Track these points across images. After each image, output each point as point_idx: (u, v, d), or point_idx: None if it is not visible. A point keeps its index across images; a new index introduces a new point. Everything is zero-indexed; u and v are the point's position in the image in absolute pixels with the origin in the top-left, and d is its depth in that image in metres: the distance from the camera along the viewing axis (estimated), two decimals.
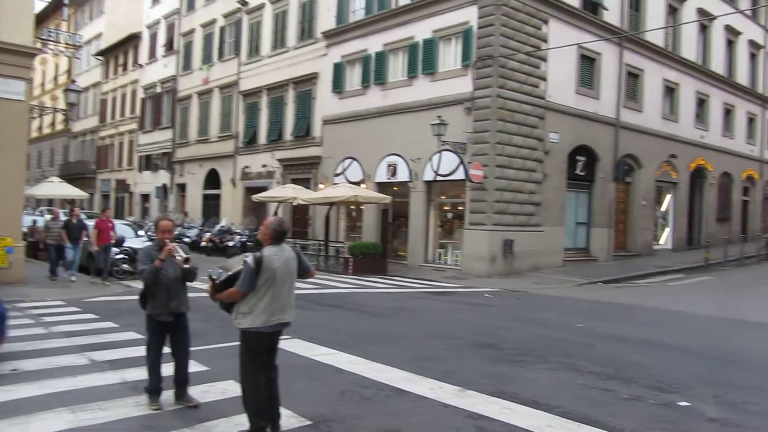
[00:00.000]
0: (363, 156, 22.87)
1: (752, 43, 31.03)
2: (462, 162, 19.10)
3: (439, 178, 20.04)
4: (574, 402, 6.15)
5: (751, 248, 24.94)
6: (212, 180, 32.72)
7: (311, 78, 25.74)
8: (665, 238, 27.08)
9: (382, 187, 22.32)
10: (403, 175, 21.39)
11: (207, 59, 33.09)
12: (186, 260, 5.65)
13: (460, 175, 19.23)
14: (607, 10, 22.10)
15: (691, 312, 13.09)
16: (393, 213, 22.20)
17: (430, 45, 20.57)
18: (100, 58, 45.19)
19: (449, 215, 21.35)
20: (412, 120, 20.67)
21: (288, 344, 7.80)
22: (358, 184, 22.27)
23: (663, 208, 26.95)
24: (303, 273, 5.19)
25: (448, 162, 19.56)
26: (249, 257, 4.86)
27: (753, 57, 31.55)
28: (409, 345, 8.86)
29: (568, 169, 21.28)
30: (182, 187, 35.80)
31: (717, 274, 20.58)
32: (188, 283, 5.82)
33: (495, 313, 12.49)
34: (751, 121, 31.82)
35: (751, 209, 32.87)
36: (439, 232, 21.32)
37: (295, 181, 25.47)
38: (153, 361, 5.70)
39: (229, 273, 4.93)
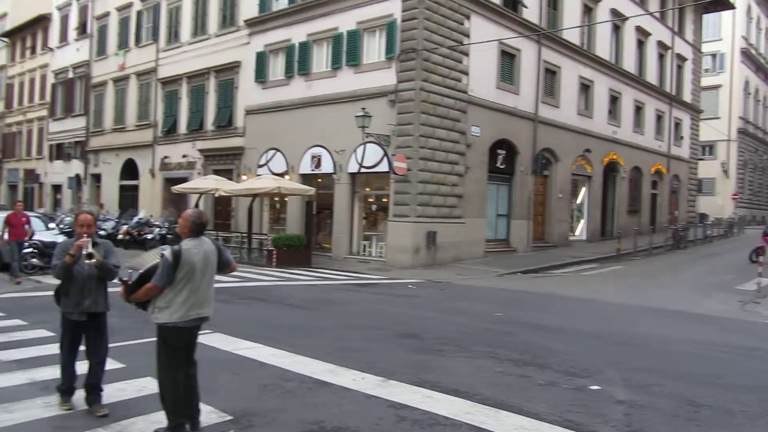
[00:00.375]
0: (287, 147, 22.63)
1: (661, 44, 32.65)
2: (386, 154, 19.24)
3: (363, 170, 20.12)
4: (492, 389, 6.33)
5: (659, 239, 26.31)
6: (129, 170, 31.56)
7: (233, 67, 25.20)
8: (580, 229, 28.20)
9: (306, 178, 22.18)
10: (327, 167, 21.32)
11: (123, 44, 31.80)
12: (89, 256, 5.18)
13: (384, 167, 19.36)
14: (526, 7, 22.70)
15: (603, 300, 13.73)
16: (317, 205, 22.07)
17: (354, 36, 20.54)
18: (5, 39, 42.64)
19: (373, 207, 21.45)
20: (337, 111, 20.60)
21: (209, 338, 7.65)
22: (281, 175, 22.02)
23: (578, 200, 28.04)
24: (223, 267, 5.08)
25: (372, 154, 19.66)
26: (167, 250, 4.71)
27: (661, 57, 33.20)
28: (332, 337, 8.87)
29: (490, 163, 21.79)
30: (97, 178, 34.36)
31: (627, 264, 21.63)
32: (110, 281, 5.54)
33: (418, 303, 12.67)
34: (659, 118, 33.51)
35: (659, 202, 34.64)
36: (363, 224, 21.39)
37: (217, 172, 24.92)
38: (65, 360, 5.44)
39: (141, 271, 4.77)
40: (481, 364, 7.42)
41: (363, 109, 18.70)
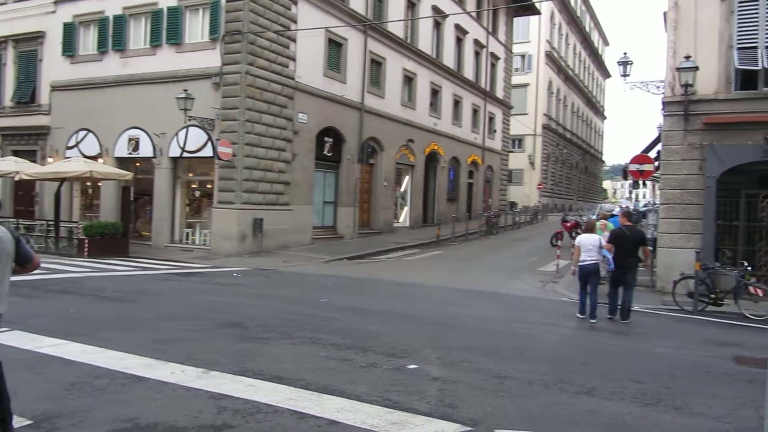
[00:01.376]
0: (100, 128, 21.00)
1: (477, 43, 34.85)
2: (210, 139, 18.58)
3: (186, 154, 19.27)
4: (315, 373, 6.39)
5: (474, 225, 28.17)
6: None
7: (37, 37, 22.85)
8: (404, 216, 29.38)
9: (122, 162, 20.77)
10: (146, 151, 20.12)
11: None
12: None
13: (208, 152, 18.69)
14: None
15: (423, 283, 14.42)
16: (135, 191, 20.80)
17: (176, 13, 19.52)
18: None
19: (197, 193, 20.66)
20: (157, 92, 19.49)
21: (5, 337, 6.92)
22: (94, 158, 20.38)
23: (402, 188, 29.17)
24: (23, 261, 4.52)
25: (195, 138, 18.89)
26: None
27: (477, 55, 35.46)
28: (150, 329, 8.41)
29: (317, 150, 21.91)
30: None
31: (446, 249, 22.93)
32: None
33: (243, 292, 12.43)
34: (475, 112, 35.81)
35: (475, 191, 37.09)
36: (186, 211, 20.53)
37: (17, 154, 22.47)
38: None
39: None
40: (305, 350, 7.45)
41: (185, 90, 17.91)
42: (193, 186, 20.75)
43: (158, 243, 19.91)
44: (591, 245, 10.59)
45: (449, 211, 31.28)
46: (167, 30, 19.68)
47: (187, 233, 20.15)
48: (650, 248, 12.69)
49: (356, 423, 5.03)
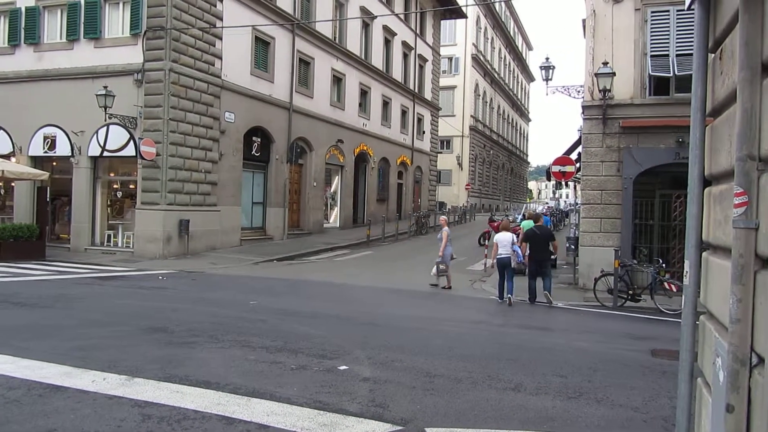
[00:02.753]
0: (12, 125, 19.92)
1: (405, 44, 35.16)
2: (133, 137, 17.97)
3: (106, 153, 18.56)
4: (244, 377, 6.27)
5: (404, 225, 28.40)
6: None
7: None
8: (334, 216, 29.30)
9: (38, 161, 19.79)
10: (63, 150, 19.23)
11: None
12: None
13: (130, 151, 18.06)
14: None
15: (353, 284, 14.42)
16: (52, 191, 19.84)
17: (94, 6, 18.77)
18: None
19: (119, 194, 19.92)
20: (75, 88, 18.67)
21: None
22: (6, 157, 19.34)
23: (332, 189, 29.08)
24: None
25: (117, 137, 18.22)
26: None
27: (406, 57, 35.77)
28: (69, 336, 8.04)
29: (245, 150, 21.55)
30: None
31: (376, 249, 23.02)
32: None
33: (168, 295, 12.08)
34: (404, 113, 36.11)
35: (404, 191, 37.40)
36: (108, 213, 19.76)
37: None
38: None
39: None
40: (234, 354, 7.31)
41: (105, 87, 17.26)
42: (115, 186, 19.99)
43: (78, 246, 19.08)
44: (506, 242, 12.84)
45: (379, 211, 31.42)
46: (85, 24, 18.89)
47: (109, 235, 19.40)
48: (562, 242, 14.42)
49: (287, 426, 4.97)
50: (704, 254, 3.44)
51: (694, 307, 3.32)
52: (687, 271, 3.30)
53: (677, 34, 14.19)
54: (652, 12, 14.61)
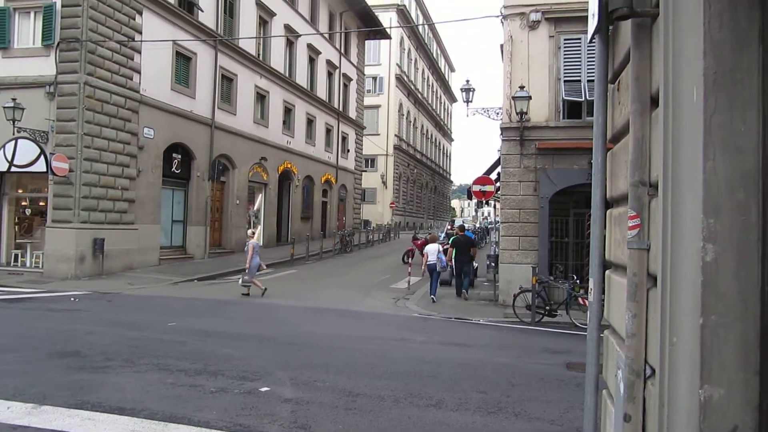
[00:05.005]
0: None
1: (329, 63, 35.36)
2: (44, 152, 17.16)
3: (14, 168, 17.62)
4: (161, 402, 6.10)
5: (328, 243, 28.38)
6: None
7: None
8: (257, 235, 28.87)
9: None
10: None
11: None
12: None
13: (41, 166, 17.23)
14: (202, 11, 22.50)
15: (276, 303, 14.27)
16: None
17: (2, 15, 17.94)
18: None
19: (28, 211, 18.99)
20: None
21: None
22: None
23: (255, 207, 28.72)
24: None
25: (26, 151, 17.33)
26: None
27: (330, 75, 35.98)
28: None
29: (164, 166, 21.02)
30: None
31: (301, 267, 22.86)
32: None
33: (81, 317, 11.58)
34: (328, 131, 36.21)
35: (329, 209, 37.37)
36: (15, 231, 18.78)
37: None
38: None
39: None
40: (151, 378, 7.10)
41: (13, 99, 16.51)
42: (24, 203, 19.05)
43: None
44: (433, 251, 16.10)
45: (304, 229, 31.25)
46: None
47: (16, 255, 18.41)
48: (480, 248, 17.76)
49: None
50: (607, 272, 3.65)
51: (598, 322, 3.52)
52: (591, 289, 3.50)
53: (588, 61, 14.94)
54: (565, 39, 15.35)
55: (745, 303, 2.17)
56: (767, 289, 2.17)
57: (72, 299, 13.90)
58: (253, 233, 16.64)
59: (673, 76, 2.42)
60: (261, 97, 27.70)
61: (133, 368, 7.53)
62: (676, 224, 2.41)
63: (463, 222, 33.27)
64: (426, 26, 60.17)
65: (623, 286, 2.96)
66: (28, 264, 18.23)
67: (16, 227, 18.89)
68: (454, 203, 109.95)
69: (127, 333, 9.99)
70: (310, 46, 32.28)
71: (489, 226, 36.33)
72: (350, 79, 39.37)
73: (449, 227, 29.11)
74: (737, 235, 2.17)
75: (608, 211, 3.63)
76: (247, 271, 15.40)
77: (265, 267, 16.38)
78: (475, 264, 17.62)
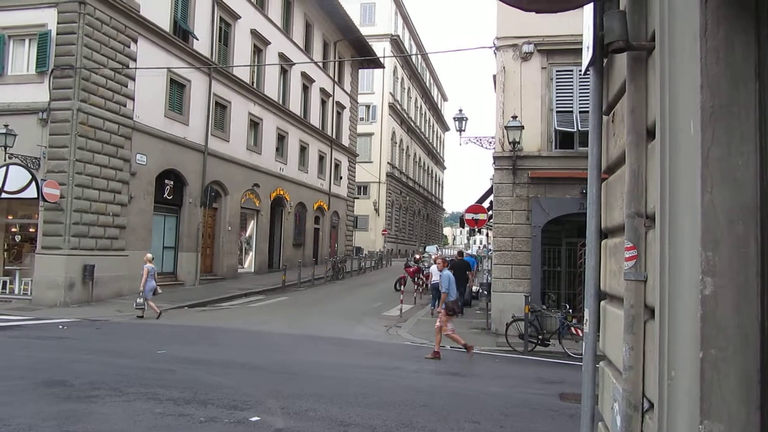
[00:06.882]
0: None
1: (323, 91, 35.62)
2: (35, 179, 17.09)
3: (5, 195, 17.52)
4: None
5: (320, 270, 28.26)
6: None
7: None
8: (249, 261, 28.77)
9: None
10: None
11: None
12: None
13: (32, 193, 17.13)
14: (197, 39, 22.69)
15: (268, 330, 14.14)
16: None
17: None
18: None
19: (18, 238, 18.84)
20: None
21: None
22: None
23: (247, 233, 28.63)
24: None
25: (17, 177, 17.24)
26: None
27: (324, 103, 36.21)
28: None
29: (156, 193, 20.96)
30: None
31: (292, 294, 22.71)
32: None
33: (69, 346, 11.42)
34: (321, 158, 36.32)
35: (321, 236, 37.30)
36: (4, 257, 18.60)
37: None
38: None
39: None
40: (139, 407, 6.97)
41: (6, 125, 16.47)
42: (14, 230, 18.91)
43: None
44: (436, 272, 16.30)
45: (296, 256, 31.12)
46: None
47: (5, 282, 18.22)
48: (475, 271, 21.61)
49: None
50: (602, 303, 3.63)
51: (593, 353, 3.48)
52: (587, 319, 3.47)
53: (580, 92, 15.11)
54: (557, 71, 15.53)
55: (746, 337, 2.15)
56: (767, 324, 2.15)
57: (60, 327, 13.72)
58: (150, 258, 16.35)
59: (669, 109, 2.44)
60: (254, 124, 27.80)
61: (121, 397, 7.39)
62: (673, 256, 2.40)
63: (464, 250, 33.12)
64: (419, 56, 60.84)
65: (619, 317, 2.94)
66: (16, 291, 18.03)
67: (6, 254, 18.72)
68: (447, 231, 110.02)
69: (116, 361, 9.84)
70: (304, 74, 32.53)
71: (480, 255, 36.30)
72: (344, 107, 39.62)
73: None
74: (736, 269, 2.16)
75: (603, 242, 3.63)
76: (141, 293, 15.54)
77: (160, 291, 16.40)
78: (474, 288, 20.96)
